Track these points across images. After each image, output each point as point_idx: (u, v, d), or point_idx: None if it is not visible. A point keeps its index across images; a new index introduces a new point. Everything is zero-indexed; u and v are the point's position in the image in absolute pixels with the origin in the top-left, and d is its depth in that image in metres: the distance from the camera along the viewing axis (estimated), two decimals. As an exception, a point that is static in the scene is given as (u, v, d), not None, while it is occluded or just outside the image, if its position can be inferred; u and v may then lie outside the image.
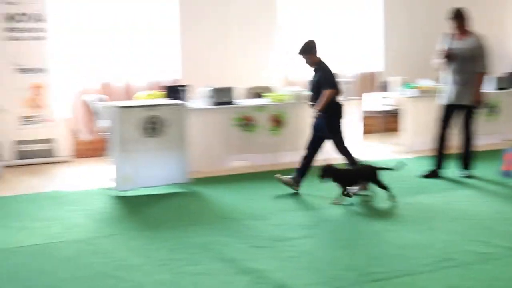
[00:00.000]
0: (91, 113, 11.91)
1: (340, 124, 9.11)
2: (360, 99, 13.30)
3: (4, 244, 7.31)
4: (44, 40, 11.75)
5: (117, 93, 12.59)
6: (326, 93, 8.88)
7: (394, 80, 13.38)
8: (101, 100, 11.42)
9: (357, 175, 8.78)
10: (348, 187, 8.37)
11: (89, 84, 12.51)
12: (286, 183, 9.04)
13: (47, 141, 11.86)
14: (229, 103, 11.11)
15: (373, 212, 8.75)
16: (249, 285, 5.99)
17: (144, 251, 7.13)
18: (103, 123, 10.50)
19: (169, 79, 12.86)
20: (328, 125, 8.89)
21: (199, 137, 10.65)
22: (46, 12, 11.66)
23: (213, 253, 6.96)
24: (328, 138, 9.01)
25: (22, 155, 11.67)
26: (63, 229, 7.92)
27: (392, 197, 8.39)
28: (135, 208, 9.00)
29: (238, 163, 11.45)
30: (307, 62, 8.83)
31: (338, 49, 14.52)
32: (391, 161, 10.75)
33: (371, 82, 14.65)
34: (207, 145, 10.91)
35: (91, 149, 12.34)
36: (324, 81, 8.81)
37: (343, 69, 13.64)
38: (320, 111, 8.73)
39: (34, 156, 11.79)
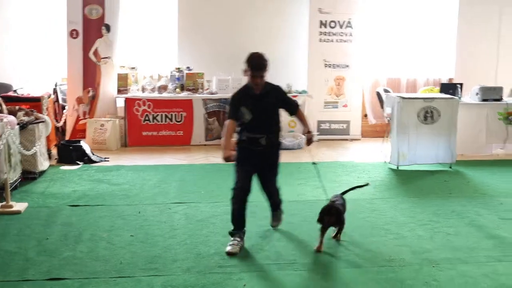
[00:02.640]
0: (379, 102, 12.78)
1: None
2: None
3: (292, 194, 8.67)
4: (349, 42, 13.10)
5: (400, 86, 13.63)
6: (302, 112, 7.03)
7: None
8: (387, 91, 12.25)
9: None
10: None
11: (379, 78, 13.66)
12: None
13: (343, 122, 13.21)
14: (497, 100, 11.59)
15: None
16: (493, 247, 6.73)
17: (410, 212, 8.08)
18: (388, 110, 11.33)
19: (445, 77, 13.55)
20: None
21: (466, 127, 11.26)
22: (353, 20, 12.94)
23: (467, 220, 7.74)
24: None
25: (323, 131, 13.13)
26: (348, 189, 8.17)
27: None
28: (407, 179, 9.92)
29: (499, 151, 11.94)
30: (261, 81, 6.23)
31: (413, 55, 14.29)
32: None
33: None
34: (472, 133, 11.50)
35: (376, 131, 13.37)
36: (291, 101, 6.91)
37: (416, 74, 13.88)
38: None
39: (332, 133, 13.24)
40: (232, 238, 6.40)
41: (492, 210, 8.23)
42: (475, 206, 8.45)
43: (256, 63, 5.79)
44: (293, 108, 6.82)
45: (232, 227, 6.49)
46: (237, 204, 6.41)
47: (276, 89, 6.45)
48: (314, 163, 7.37)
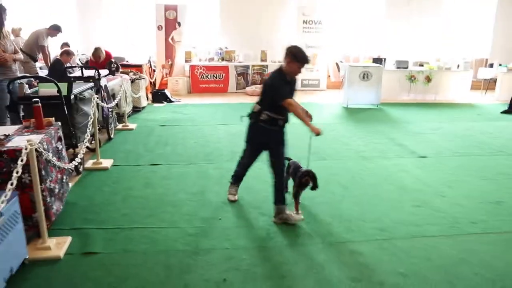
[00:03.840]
0: (337, 68, 12.98)
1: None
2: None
3: None
4: (320, 33, 12.46)
5: (350, 59, 13.17)
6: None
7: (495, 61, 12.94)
8: (341, 62, 12.19)
9: None
10: None
11: (338, 54, 13.23)
12: None
13: (316, 79, 12.99)
14: (405, 67, 11.68)
15: None
16: (400, 150, 6.90)
17: (354, 131, 8.12)
18: (342, 73, 11.43)
19: (376, 53, 13.04)
20: None
21: (387, 83, 11.29)
22: (322, 20, 12.45)
23: (384, 135, 7.93)
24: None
25: (304, 86, 12.89)
26: (318, 119, 7.68)
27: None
28: (352, 113, 9.98)
29: (405, 97, 11.85)
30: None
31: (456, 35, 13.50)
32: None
33: (484, 62, 13.74)
34: (390, 87, 11.53)
35: (335, 85, 13.17)
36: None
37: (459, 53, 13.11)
38: None
39: (309, 86, 12.98)
40: None
41: (401, 130, 8.40)
42: (390, 127, 8.64)
43: (304, 57, 4.21)
44: None
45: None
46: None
47: (296, 79, 4.54)
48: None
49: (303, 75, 12.50)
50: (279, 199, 4.35)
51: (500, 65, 12.71)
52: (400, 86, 11.67)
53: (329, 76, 13.34)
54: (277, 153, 4.35)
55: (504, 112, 10.47)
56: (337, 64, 12.90)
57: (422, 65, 12.05)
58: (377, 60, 11.66)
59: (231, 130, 7.93)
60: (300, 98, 10.59)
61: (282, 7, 12.76)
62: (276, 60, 12.33)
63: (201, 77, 12.01)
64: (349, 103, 10.64)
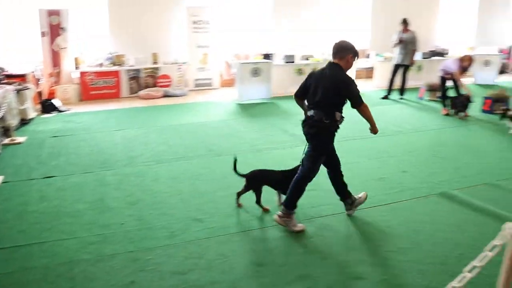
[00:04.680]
0: (228, 66, 13.02)
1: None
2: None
3: (183, 121, 8.67)
4: (208, 33, 12.49)
5: (241, 57, 13.16)
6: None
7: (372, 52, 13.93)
8: (232, 60, 12.47)
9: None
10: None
11: (228, 52, 13.26)
12: None
13: (209, 79, 12.85)
14: (292, 62, 12.13)
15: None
16: (293, 140, 7.20)
17: (248, 125, 8.29)
18: (233, 70, 11.56)
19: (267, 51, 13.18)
20: None
21: (277, 77, 11.66)
22: (209, 21, 12.42)
23: (277, 127, 8.25)
24: None
25: (197, 85, 12.72)
26: (213, 116, 9.14)
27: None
28: (246, 108, 10.13)
29: (295, 90, 12.57)
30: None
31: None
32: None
33: (363, 53, 14.46)
34: (281, 81, 11.86)
35: (228, 83, 13.25)
36: None
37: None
38: None
39: (203, 86, 12.79)
40: None
41: (292, 121, 8.67)
42: (282, 119, 8.96)
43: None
44: None
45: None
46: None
47: None
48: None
49: (196, 74, 12.70)
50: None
51: (377, 55, 13.66)
52: (290, 79, 11.98)
53: (221, 74, 13.38)
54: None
55: (383, 98, 11.33)
56: (227, 62, 13.00)
57: (308, 59, 12.56)
58: (267, 56, 11.93)
59: (126, 135, 7.79)
60: (194, 98, 10.84)
61: (171, 8, 12.66)
62: (168, 62, 12.18)
63: (91, 84, 11.62)
64: (242, 99, 10.78)
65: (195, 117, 9.17)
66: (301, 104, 4.34)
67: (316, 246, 3.90)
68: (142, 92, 11.65)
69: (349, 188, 4.50)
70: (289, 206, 4.10)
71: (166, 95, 11.81)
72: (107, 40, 12.18)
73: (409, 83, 11.86)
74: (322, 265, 3.61)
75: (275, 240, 4.01)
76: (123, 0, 12.07)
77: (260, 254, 3.77)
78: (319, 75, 4.08)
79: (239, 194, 4.62)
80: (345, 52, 4.00)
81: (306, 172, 4.09)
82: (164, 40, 12.55)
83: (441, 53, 14.32)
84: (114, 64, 11.81)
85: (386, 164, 6.15)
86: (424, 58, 13.66)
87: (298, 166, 4.27)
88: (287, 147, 6.92)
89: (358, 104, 3.96)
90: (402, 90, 11.42)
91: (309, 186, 4.22)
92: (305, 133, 4.14)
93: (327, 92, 3.93)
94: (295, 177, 4.13)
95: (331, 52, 4.12)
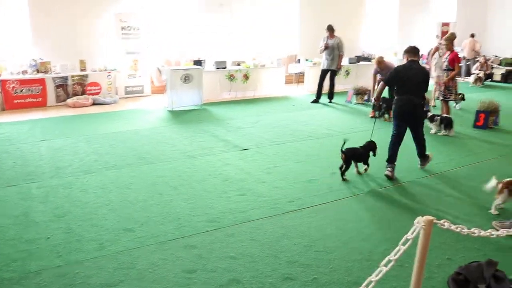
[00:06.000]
0: (159, 73, 12.68)
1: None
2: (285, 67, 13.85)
3: (113, 129, 8.57)
4: (138, 39, 12.32)
5: (171, 63, 13.11)
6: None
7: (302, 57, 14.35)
8: (163, 66, 12.07)
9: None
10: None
11: (158, 59, 13.09)
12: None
13: (140, 86, 12.70)
14: (224, 68, 12.27)
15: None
16: (224, 145, 7.34)
17: (179, 132, 8.38)
18: (164, 77, 11.34)
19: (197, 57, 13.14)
20: None
21: (209, 83, 11.75)
22: (140, 26, 12.22)
23: (209, 133, 8.29)
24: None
25: (128, 93, 12.48)
26: (145, 124, 9.04)
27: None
28: (177, 115, 10.09)
29: (226, 96, 12.46)
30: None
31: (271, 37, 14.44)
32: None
33: (294, 58, 14.96)
34: (212, 86, 12.00)
35: (159, 89, 12.99)
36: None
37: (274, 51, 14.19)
38: None
39: (134, 93, 12.59)
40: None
41: (224, 127, 8.85)
42: (214, 125, 9.01)
43: None
44: None
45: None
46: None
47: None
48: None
49: (126, 82, 12.47)
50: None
51: (306, 60, 14.09)
52: (221, 85, 12.15)
53: (152, 81, 13.23)
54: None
55: (313, 101, 11.66)
56: (158, 69, 12.78)
57: (239, 64, 12.74)
58: (197, 62, 12.00)
59: (53, 145, 7.52)
60: (125, 105, 10.63)
61: (99, 15, 12.35)
62: (96, 69, 11.87)
63: (14, 92, 11.10)
64: (173, 106, 10.75)
65: (126, 125, 9.02)
66: (383, 90, 6.19)
67: (246, 250, 3.95)
68: (70, 100, 11.27)
69: (278, 191, 4.78)
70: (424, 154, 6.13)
71: (95, 103, 11.53)
72: (30, 46, 11.65)
73: (337, 87, 12.26)
74: (253, 268, 3.66)
75: (206, 246, 4.02)
76: (45, 5, 11.63)
77: (191, 261, 3.77)
78: (408, 69, 5.88)
79: (342, 170, 5.62)
80: (419, 52, 5.98)
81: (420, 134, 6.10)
82: (92, 46, 12.22)
83: (368, 58, 14.92)
84: (39, 71, 11.30)
85: (315, 166, 6.33)
86: (351, 63, 14.18)
87: (369, 141, 5.88)
88: (218, 153, 6.99)
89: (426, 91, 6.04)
90: (330, 94, 11.75)
91: (239, 191, 4.57)
92: (404, 112, 5.88)
93: (419, 81, 5.81)
94: (418, 139, 6.07)
95: (404, 51, 6.21)
